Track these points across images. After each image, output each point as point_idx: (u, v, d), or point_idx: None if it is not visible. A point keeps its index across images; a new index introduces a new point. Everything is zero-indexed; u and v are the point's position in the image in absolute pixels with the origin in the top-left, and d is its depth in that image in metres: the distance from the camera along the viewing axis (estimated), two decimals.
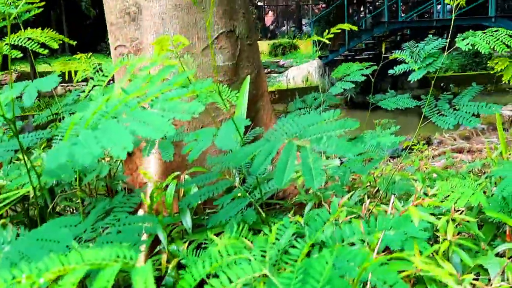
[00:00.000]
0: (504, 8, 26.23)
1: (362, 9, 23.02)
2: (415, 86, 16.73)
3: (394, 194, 2.29)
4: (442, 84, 16.80)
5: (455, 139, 7.37)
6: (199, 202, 1.90)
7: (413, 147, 5.32)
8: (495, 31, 2.13)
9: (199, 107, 1.04)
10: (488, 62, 2.26)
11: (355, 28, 2.87)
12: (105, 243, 1.53)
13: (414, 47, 2.36)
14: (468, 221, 2.05)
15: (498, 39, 2.07)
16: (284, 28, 29.90)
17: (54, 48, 1.89)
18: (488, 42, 2.07)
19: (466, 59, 18.83)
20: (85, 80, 2.21)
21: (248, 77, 2.78)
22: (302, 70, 15.47)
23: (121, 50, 2.71)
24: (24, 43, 1.76)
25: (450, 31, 2.32)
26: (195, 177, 2.01)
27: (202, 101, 1.98)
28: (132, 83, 1.22)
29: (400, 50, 2.39)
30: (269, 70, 16.93)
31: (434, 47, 2.26)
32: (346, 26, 2.91)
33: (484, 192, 2.64)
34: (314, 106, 3.14)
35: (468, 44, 2.10)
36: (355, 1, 23.35)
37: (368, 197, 2.48)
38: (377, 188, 2.56)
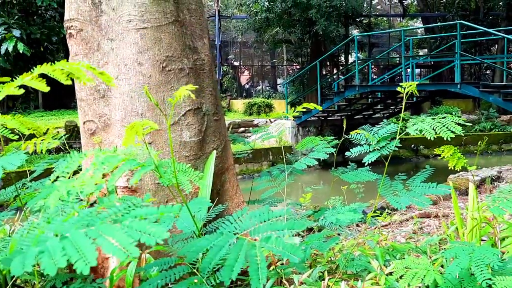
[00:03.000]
0: (471, 72, 27.38)
1: (335, 71, 23.74)
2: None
3: (357, 274, 2.35)
4: (412, 146, 17.21)
5: None
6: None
7: (377, 217, 5.42)
8: (443, 117, 2.28)
9: (163, 233, 1.10)
10: (436, 149, 2.40)
11: (319, 108, 3.01)
12: None
13: (369, 130, 2.49)
14: None
15: (444, 125, 2.22)
16: (259, 87, 30.53)
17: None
18: (434, 128, 2.21)
19: (464, 119, 19.31)
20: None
21: (214, 152, 2.87)
22: (275, 130, 15.71)
23: (89, 125, 2.79)
24: None
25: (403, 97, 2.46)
26: (156, 261, 2.05)
27: (166, 182, 2.04)
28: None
29: (357, 133, 2.51)
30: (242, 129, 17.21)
31: (387, 131, 2.39)
32: (311, 106, 3.07)
33: (442, 266, 2.72)
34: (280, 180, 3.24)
35: (417, 129, 2.24)
36: (328, 64, 24.10)
37: (329, 273, 2.54)
38: (337, 264, 2.62)
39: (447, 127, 2.21)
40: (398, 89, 2.41)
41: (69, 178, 1.54)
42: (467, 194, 8.31)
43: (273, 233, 1.38)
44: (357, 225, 6.57)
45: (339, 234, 5.51)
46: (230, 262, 1.29)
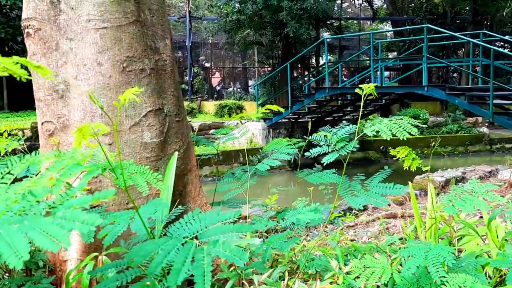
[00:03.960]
0: (439, 75, 27.93)
1: (306, 73, 23.90)
2: (356, 149, 17.34)
3: (318, 274, 2.37)
4: (381, 147, 17.44)
5: (389, 204, 7.61)
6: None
7: (343, 218, 5.49)
8: (400, 119, 2.32)
9: (96, 219, 1.09)
10: (391, 150, 2.44)
11: (282, 110, 3.04)
12: None
13: (329, 131, 2.52)
14: None
15: (400, 126, 2.26)
16: (230, 89, 30.51)
17: None
18: (391, 129, 2.24)
19: (419, 121, 19.61)
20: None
21: (176, 153, 2.86)
22: (238, 132, 15.73)
23: (48, 126, 2.74)
24: None
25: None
26: (111, 263, 2.03)
27: (121, 184, 2.02)
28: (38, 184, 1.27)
29: (317, 134, 2.54)
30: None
31: (345, 132, 2.42)
32: (274, 107, 3.09)
33: (401, 265, 2.77)
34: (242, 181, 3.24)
35: (374, 130, 2.28)
36: (299, 66, 24.26)
37: (289, 273, 2.55)
38: (298, 264, 2.63)
39: (403, 128, 2.25)
40: (357, 90, 2.44)
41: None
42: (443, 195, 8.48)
43: (221, 236, 1.39)
44: (326, 226, 6.63)
45: (307, 235, 5.55)
46: (176, 266, 1.29)
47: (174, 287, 1.25)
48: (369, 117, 17.84)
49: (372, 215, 7.29)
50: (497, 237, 2.91)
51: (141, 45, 2.77)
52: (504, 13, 16.26)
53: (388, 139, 2.24)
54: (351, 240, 5.04)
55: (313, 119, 16.78)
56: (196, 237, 1.48)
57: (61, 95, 2.69)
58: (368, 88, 2.42)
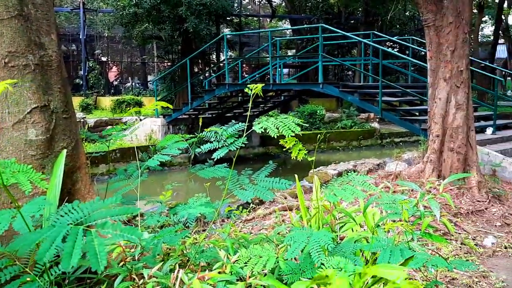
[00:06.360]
0: (335, 73, 29.21)
1: (207, 69, 23.92)
2: (257, 145, 17.76)
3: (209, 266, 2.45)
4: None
5: (286, 198, 7.88)
6: None
7: (236, 212, 5.65)
8: (285, 118, 2.46)
9: None
10: (280, 140, 2.56)
11: (171, 106, 3.08)
12: None
13: (219, 127, 2.61)
14: (263, 286, 2.29)
15: (286, 125, 2.40)
16: (128, 84, 29.72)
17: None
18: (277, 127, 2.38)
19: (301, 120, 20.31)
20: None
21: (64, 151, 2.80)
22: (145, 128, 15.49)
23: None
24: None
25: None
26: None
27: (3, 182, 1.97)
28: None
29: (208, 131, 2.63)
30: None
31: (235, 129, 2.53)
32: (164, 104, 3.12)
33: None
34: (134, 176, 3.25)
35: (262, 127, 2.40)
36: (200, 61, 24.20)
37: (181, 266, 2.62)
38: (189, 257, 2.70)
39: (288, 127, 2.39)
40: (246, 90, 2.56)
41: None
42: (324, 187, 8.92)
43: (109, 219, 1.42)
44: (222, 220, 6.75)
45: (204, 230, 5.63)
46: (68, 250, 1.30)
47: (69, 269, 1.26)
48: (269, 113, 18.25)
49: (269, 208, 7.53)
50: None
51: (25, 40, 2.68)
52: (389, 17, 17.38)
53: (275, 136, 2.37)
54: (250, 233, 5.20)
55: (213, 115, 16.89)
56: (81, 223, 1.49)
57: None
58: (255, 88, 2.54)
